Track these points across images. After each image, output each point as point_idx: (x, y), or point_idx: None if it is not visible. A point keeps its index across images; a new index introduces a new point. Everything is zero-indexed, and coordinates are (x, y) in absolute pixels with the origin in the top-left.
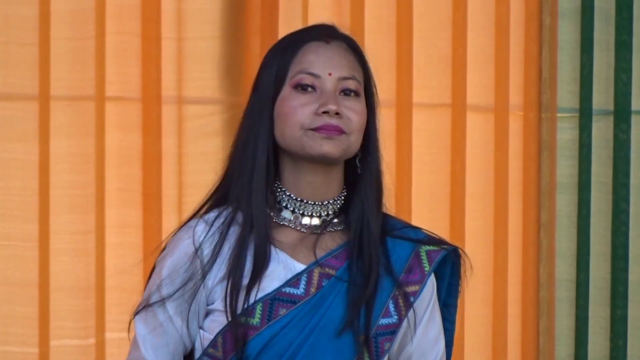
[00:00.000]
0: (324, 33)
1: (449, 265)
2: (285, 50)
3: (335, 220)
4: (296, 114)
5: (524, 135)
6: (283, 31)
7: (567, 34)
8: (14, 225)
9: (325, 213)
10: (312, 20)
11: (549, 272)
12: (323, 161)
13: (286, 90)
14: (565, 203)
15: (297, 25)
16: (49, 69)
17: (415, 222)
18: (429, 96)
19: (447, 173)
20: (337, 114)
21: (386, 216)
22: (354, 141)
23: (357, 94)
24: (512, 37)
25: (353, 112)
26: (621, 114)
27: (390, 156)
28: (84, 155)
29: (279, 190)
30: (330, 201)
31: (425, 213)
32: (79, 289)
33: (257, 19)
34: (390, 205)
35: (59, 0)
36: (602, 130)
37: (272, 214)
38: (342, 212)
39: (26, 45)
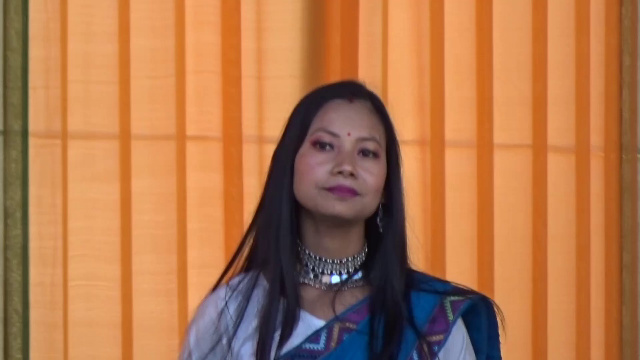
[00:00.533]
0: (349, 91)
1: (483, 317)
2: (309, 106)
3: (356, 276)
4: (312, 172)
5: (605, 176)
6: (363, 71)
7: None
8: (97, 265)
9: (345, 270)
10: (392, 63)
11: (631, 314)
12: (337, 221)
13: (306, 146)
14: None
15: (377, 67)
16: (129, 107)
17: (497, 261)
18: (510, 137)
19: (529, 214)
20: (352, 175)
21: (412, 272)
22: (369, 202)
23: (375, 155)
24: (592, 77)
25: (369, 174)
26: None
27: (472, 197)
28: (165, 195)
29: (300, 248)
30: (350, 258)
31: (507, 253)
32: (162, 329)
33: (337, 59)
34: (471, 246)
35: (139, 39)
36: None
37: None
38: (363, 267)
39: (107, 84)
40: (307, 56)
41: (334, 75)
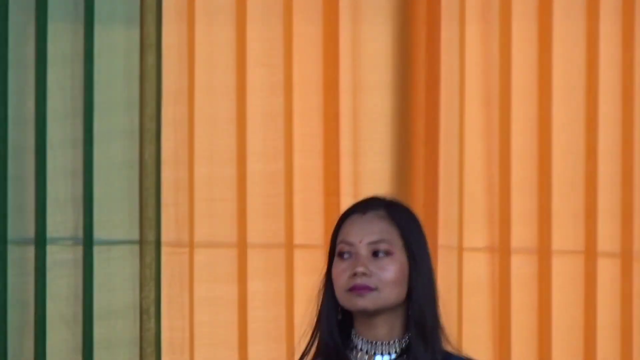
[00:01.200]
0: (363, 205)
1: None
2: (338, 225)
3: (404, 355)
4: (339, 279)
5: None
6: (442, 194)
7: None
8: (218, 352)
9: (394, 350)
10: (467, 181)
11: None
12: (366, 314)
13: (335, 259)
14: None
15: (454, 189)
16: (245, 220)
17: (555, 351)
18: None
19: (581, 310)
20: (364, 274)
21: (449, 354)
22: (388, 294)
23: (388, 253)
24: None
25: (383, 270)
26: None
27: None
28: (276, 295)
29: (354, 335)
30: (396, 341)
31: (565, 343)
32: None
33: (420, 182)
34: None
35: (254, 162)
36: None
37: (351, 355)
38: (408, 349)
39: (226, 201)
40: (396, 175)
41: (418, 195)
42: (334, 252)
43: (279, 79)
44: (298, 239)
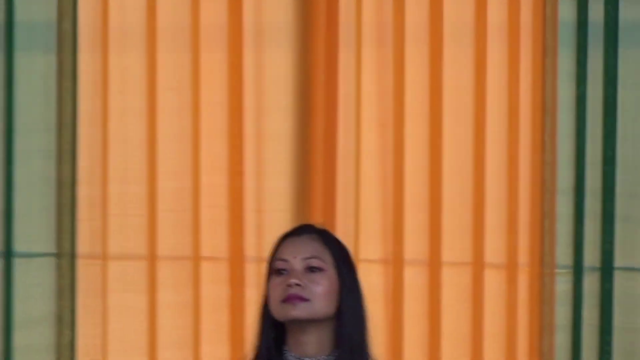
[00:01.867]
0: (298, 229)
1: None
2: (275, 247)
3: None
4: (274, 292)
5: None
6: (340, 211)
7: (563, 206)
8: (129, 358)
9: None
10: (364, 202)
11: None
12: (298, 324)
13: (272, 276)
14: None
15: (350, 206)
16: (155, 234)
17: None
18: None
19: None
20: (298, 285)
21: None
22: (320, 306)
23: (320, 269)
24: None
25: (315, 284)
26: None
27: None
28: (183, 304)
29: (285, 351)
30: (324, 357)
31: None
32: None
33: (320, 198)
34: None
35: (164, 180)
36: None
37: None
38: None
39: (138, 216)
40: (296, 194)
41: (317, 210)
42: (271, 270)
43: (187, 102)
44: (204, 252)
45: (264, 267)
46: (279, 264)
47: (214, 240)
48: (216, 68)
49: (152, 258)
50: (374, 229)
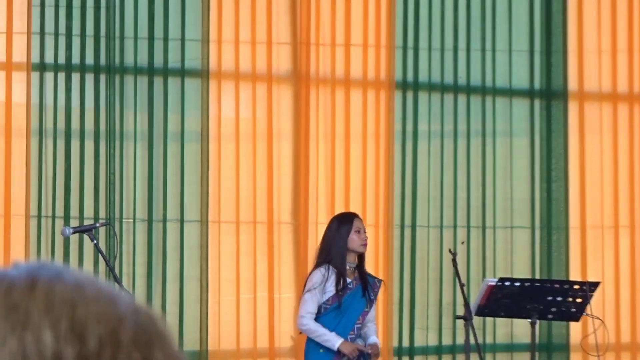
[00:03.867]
0: (355, 214)
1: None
2: (350, 220)
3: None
4: (357, 238)
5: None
6: None
7: None
8: None
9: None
10: None
11: None
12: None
13: (353, 233)
14: None
15: None
16: None
17: None
18: None
19: None
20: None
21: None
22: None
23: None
24: None
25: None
26: None
27: None
28: None
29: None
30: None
31: None
32: None
33: None
34: None
35: None
36: None
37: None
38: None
39: None
40: None
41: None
42: (347, 231)
43: None
44: None
45: None
46: (359, 227)
47: None
48: None
49: None
50: None
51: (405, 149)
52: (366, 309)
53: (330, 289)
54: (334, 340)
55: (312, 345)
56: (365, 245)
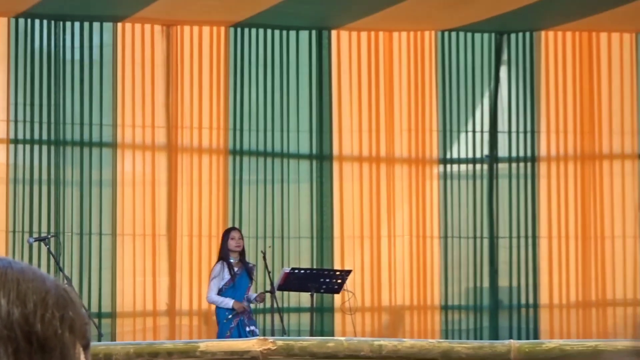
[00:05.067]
0: (234, 228)
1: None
2: (228, 232)
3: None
4: (233, 242)
5: None
6: None
7: None
8: None
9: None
10: None
11: None
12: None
13: (229, 240)
14: None
15: None
16: None
17: None
18: None
19: None
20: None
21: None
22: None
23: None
24: None
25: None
26: None
27: None
28: None
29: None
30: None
31: None
32: None
33: None
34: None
35: None
36: None
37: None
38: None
39: None
40: None
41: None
42: (227, 239)
43: None
44: None
45: None
46: (234, 236)
47: None
48: None
49: None
50: None
51: None
52: (249, 285)
53: (227, 276)
54: (229, 302)
55: (219, 309)
56: (238, 247)
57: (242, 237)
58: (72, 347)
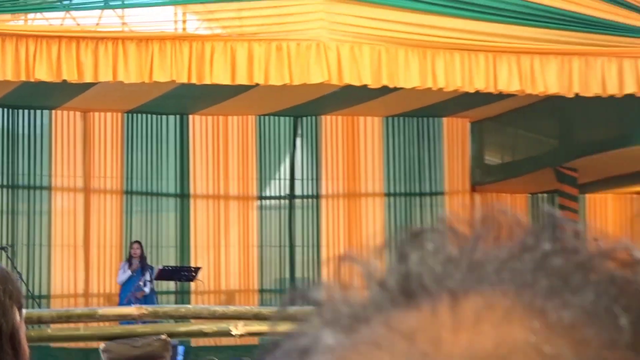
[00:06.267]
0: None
1: None
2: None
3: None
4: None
5: None
6: None
7: None
8: None
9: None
10: None
11: None
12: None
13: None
14: None
15: None
16: None
17: None
18: None
19: None
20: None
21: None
22: None
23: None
24: None
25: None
26: None
27: None
28: None
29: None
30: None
31: None
32: None
33: None
34: None
35: None
36: None
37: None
38: None
39: None
40: None
41: None
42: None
43: None
44: None
45: None
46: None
47: None
48: None
49: None
50: None
51: None
52: (140, 280)
53: (128, 271)
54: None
55: (122, 289)
56: (135, 253)
57: (139, 247)
58: (10, 308)
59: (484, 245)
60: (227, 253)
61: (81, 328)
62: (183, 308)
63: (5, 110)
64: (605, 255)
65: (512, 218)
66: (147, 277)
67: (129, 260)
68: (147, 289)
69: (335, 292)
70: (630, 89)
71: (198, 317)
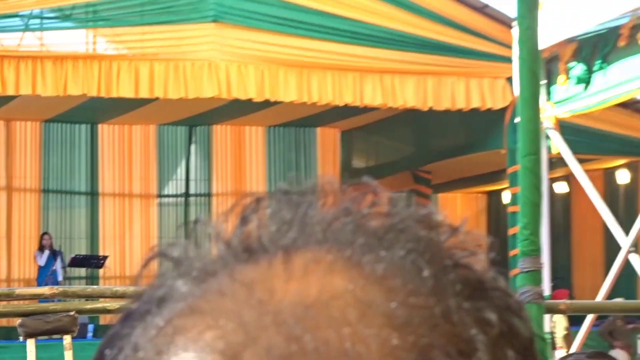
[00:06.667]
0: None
1: None
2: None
3: None
4: None
5: None
6: None
7: None
8: None
9: None
10: None
11: None
12: None
13: None
14: None
15: None
16: None
17: None
18: None
19: None
20: None
21: None
22: None
23: None
24: None
25: None
26: None
27: None
28: None
29: None
30: None
31: None
32: None
33: None
34: None
35: None
36: None
37: None
38: None
39: None
40: None
41: None
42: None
43: None
44: None
45: None
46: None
47: None
48: None
49: None
50: None
51: None
52: (53, 265)
53: (45, 255)
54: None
55: (39, 274)
56: (47, 243)
57: (49, 238)
58: None
59: (313, 210)
60: (131, 244)
61: (1, 306)
62: (89, 288)
63: None
64: (415, 220)
65: (339, 188)
66: (59, 263)
67: (41, 249)
68: (60, 277)
69: (189, 250)
70: (475, 103)
71: (102, 296)
